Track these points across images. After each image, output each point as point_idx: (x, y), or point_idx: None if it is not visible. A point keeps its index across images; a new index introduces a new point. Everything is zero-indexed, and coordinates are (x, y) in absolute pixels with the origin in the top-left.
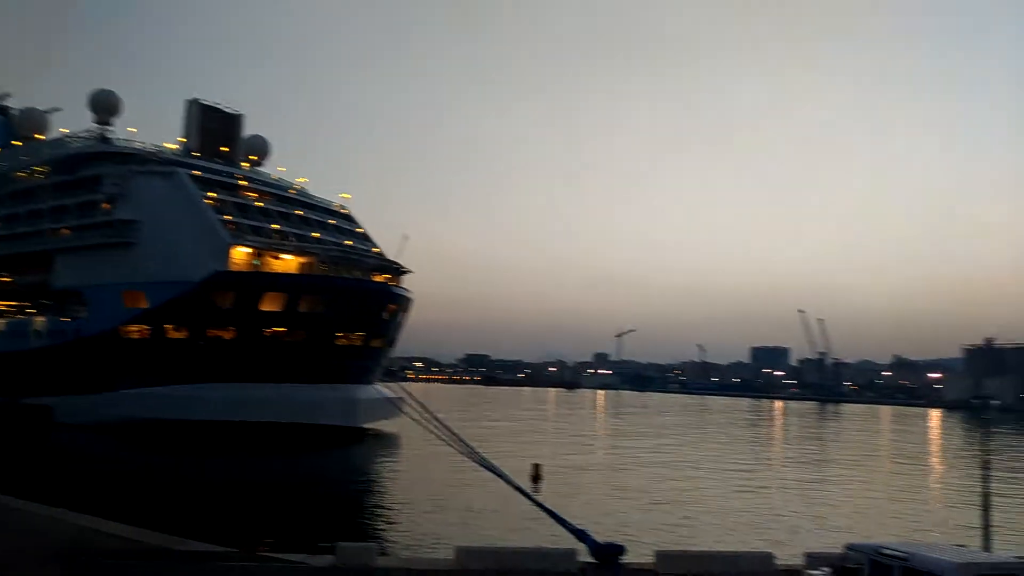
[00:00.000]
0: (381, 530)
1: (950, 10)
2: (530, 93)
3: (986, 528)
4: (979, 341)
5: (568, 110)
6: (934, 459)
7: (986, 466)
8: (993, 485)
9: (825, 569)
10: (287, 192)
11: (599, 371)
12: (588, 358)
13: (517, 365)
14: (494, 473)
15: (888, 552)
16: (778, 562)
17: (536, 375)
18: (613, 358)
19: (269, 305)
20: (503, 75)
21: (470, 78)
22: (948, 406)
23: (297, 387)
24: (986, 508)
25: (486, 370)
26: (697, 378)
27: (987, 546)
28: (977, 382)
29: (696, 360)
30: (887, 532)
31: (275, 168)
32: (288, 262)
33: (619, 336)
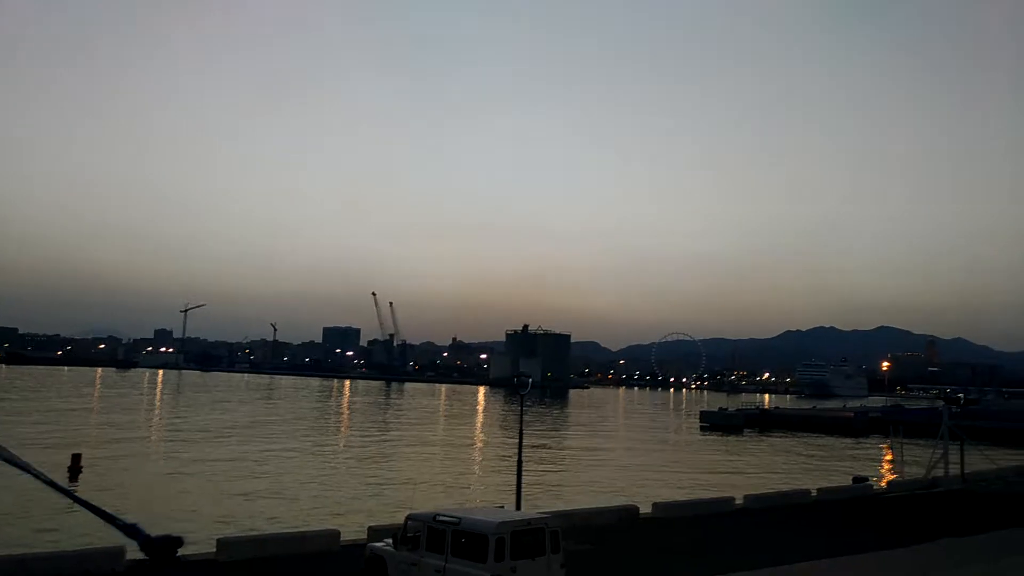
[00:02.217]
0: None
1: None
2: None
3: (519, 489)
4: (518, 327)
5: (128, 75)
6: (480, 431)
7: (521, 436)
8: (525, 452)
9: (387, 540)
10: None
11: (161, 349)
12: (149, 334)
13: (54, 341)
14: (16, 466)
15: (442, 518)
16: (344, 538)
17: (80, 352)
18: (178, 335)
19: None
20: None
21: None
22: (493, 383)
23: None
24: (519, 472)
25: (10, 346)
26: (268, 357)
27: (519, 505)
28: (515, 362)
29: (268, 339)
30: (446, 500)
31: None
32: None
33: (185, 311)
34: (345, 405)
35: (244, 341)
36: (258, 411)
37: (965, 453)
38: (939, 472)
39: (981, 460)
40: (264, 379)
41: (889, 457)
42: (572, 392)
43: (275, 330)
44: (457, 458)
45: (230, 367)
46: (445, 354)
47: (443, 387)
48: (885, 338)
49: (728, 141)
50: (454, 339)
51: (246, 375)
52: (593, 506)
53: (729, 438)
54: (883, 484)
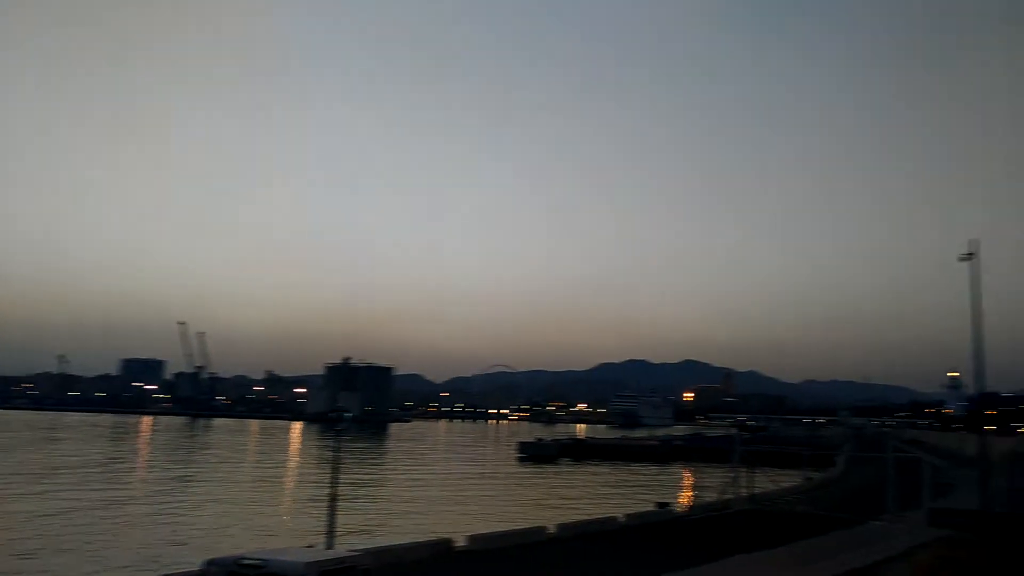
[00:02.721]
0: None
1: None
2: None
3: (331, 528)
4: (338, 359)
5: None
6: (291, 469)
7: (335, 472)
8: (340, 489)
9: None
10: None
11: None
12: None
13: None
14: None
15: (246, 561)
16: None
17: None
18: None
19: None
20: None
21: None
22: (309, 418)
23: None
24: (332, 510)
25: None
26: (54, 392)
27: (331, 544)
28: (334, 396)
29: (54, 372)
30: (250, 541)
31: None
32: None
33: None
34: (144, 443)
35: (27, 374)
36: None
37: (754, 476)
38: (731, 495)
39: (767, 481)
40: (48, 416)
41: (690, 482)
42: (393, 426)
43: (62, 362)
44: (265, 498)
45: (5, 403)
46: (257, 387)
47: (255, 423)
48: (690, 371)
49: (554, 177)
50: (268, 372)
51: (26, 412)
52: (406, 542)
53: (545, 467)
54: (683, 508)
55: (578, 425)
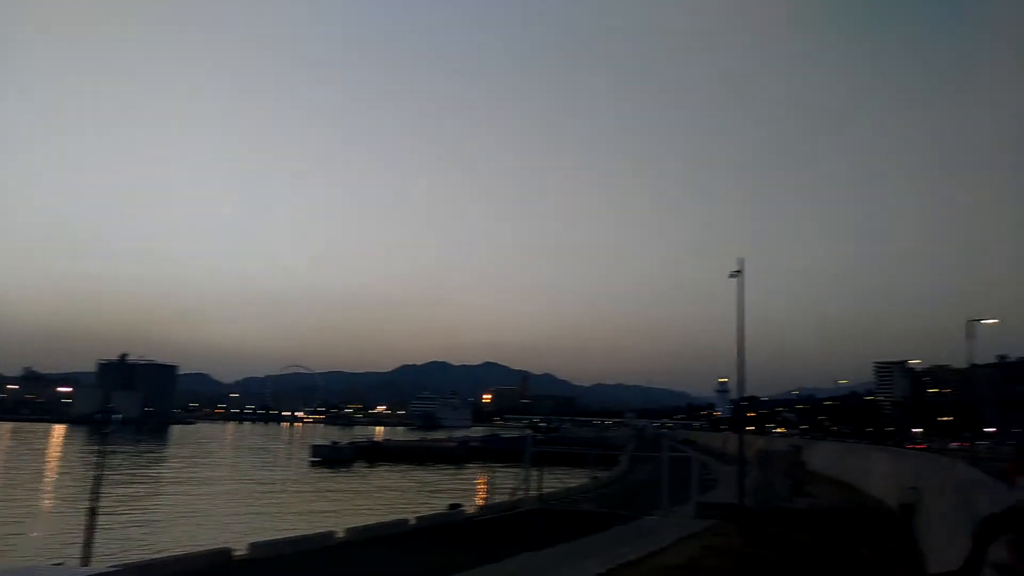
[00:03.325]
0: None
1: None
2: None
3: (88, 541)
4: (114, 356)
5: None
6: (47, 476)
7: (97, 479)
8: (104, 497)
9: None
10: None
11: None
12: None
13: None
14: None
15: None
16: None
17: None
18: None
19: None
20: None
21: None
22: (75, 420)
23: None
24: (91, 521)
25: None
26: None
27: (87, 559)
28: (108, 395)
29: None
30: None
31: None
32: None
33: None
34: None
35: None
36: None
37: (544, 476)
38: (521, 495)
39: (555, 481)
40: None
41: (483, 483)
42: (175, 428)
43: None
44: (10, 510)
45: None
46: (12, 386)
47: (7, 425)
48: (489, 373)
49: (360, 178)
50: (27, 369)
51: None
52: (178, 553)
53: (339, 471)
54: (474, 509)
55: (377, 427)
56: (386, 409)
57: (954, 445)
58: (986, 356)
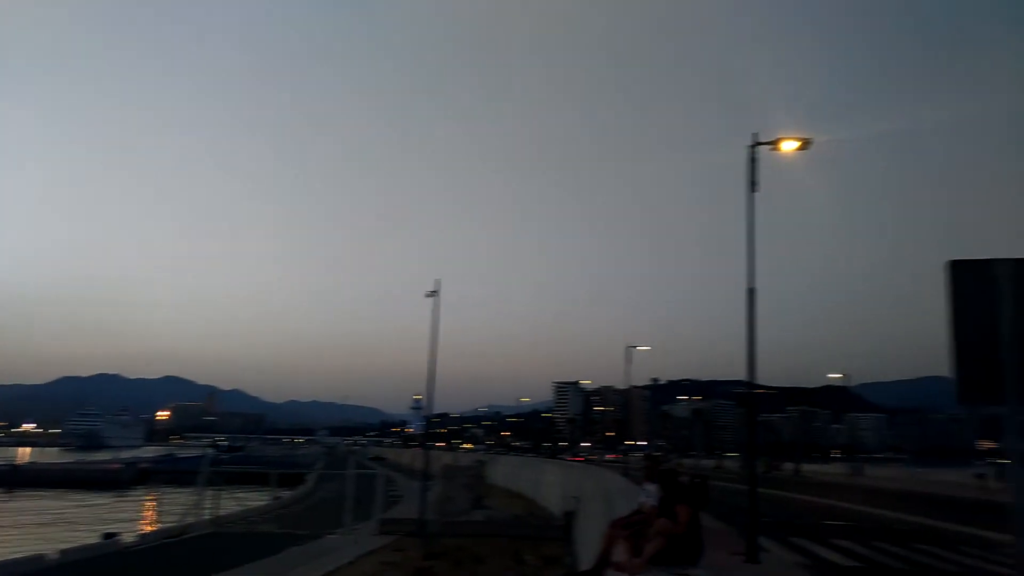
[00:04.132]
0: None
1: None
2: None
3: None
4: None
5: None
6: None
7: None
8: None
9: None
10: None
11: None
12: None
13: None
14: None
15: None
16: None
17: None
18: None
19: None
20: None
21: None
22: None
23: None
24: None
25: None
26: None
27: None
28: None
29: None
30: None
31: None
32: None
33: None
34: None
35: None
36: None
37: (222, 497)
38: (193, 518)
39: (234, 503)
40: None
41: (151, 507)
42: None
43: None
44: None
45: None
46: None
47: None
48: (171, 388)
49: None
50: None
51: None
52: None
53: None
54: (135, 537)
55: (22, 448)
56: (36, 427)
57: (609, 457)
58: (641, 378)
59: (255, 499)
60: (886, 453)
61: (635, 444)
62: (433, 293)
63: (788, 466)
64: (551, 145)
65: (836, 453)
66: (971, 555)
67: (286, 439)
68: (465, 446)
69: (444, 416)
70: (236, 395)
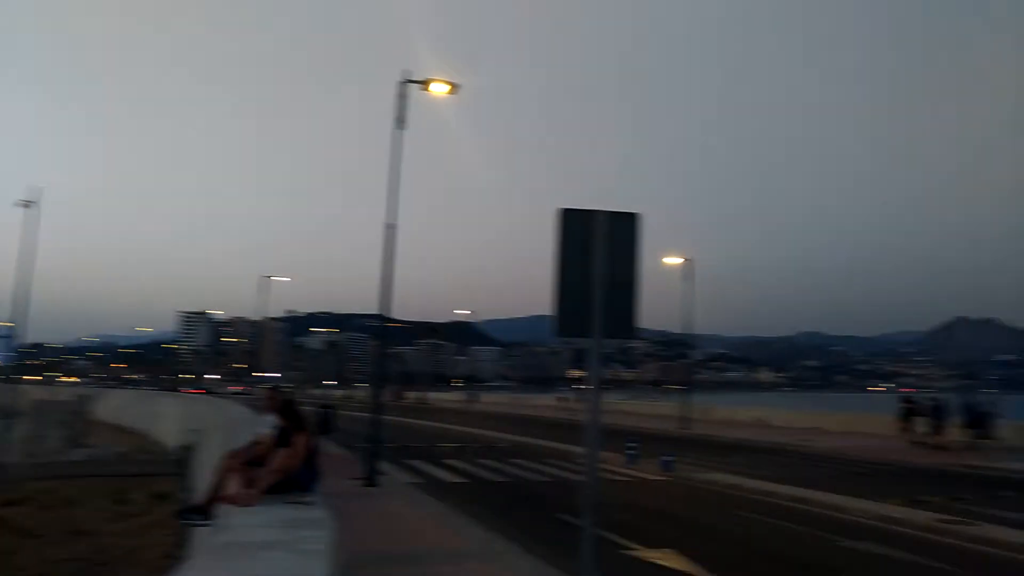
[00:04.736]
0: None
1: None
2: None
3: None
4: None
5: None
6: None
7: None
8: None
9: None
10: None
11: None
12: None
13: None
14: None
15: None
16: None
17: None
18: None
19: None
20: None
21: None
22: None
23: None
24: None
25: None
26: None
27: None
28: None
29: None
30: None
31: None
32: None
33: None
34: None
35: None
36: None
37: None
38: None
39: None
40: None
41: None
42: None
43: None
44: None
45: None
46: None
47: None
48: None
49: None
50: None
51: None
52: None
53: None
54: None
55: None
56: None
57: (232, 389)
58: (278, 311)
59: None
60: (499, 381)
61: (265, 376)
62: (27, 204)
63: (413, 395)
64: (201, 62)
65: (458, 382)
66: (553, 465)
67: None
68: (67, 379)
69: (39, 346)
70: None
